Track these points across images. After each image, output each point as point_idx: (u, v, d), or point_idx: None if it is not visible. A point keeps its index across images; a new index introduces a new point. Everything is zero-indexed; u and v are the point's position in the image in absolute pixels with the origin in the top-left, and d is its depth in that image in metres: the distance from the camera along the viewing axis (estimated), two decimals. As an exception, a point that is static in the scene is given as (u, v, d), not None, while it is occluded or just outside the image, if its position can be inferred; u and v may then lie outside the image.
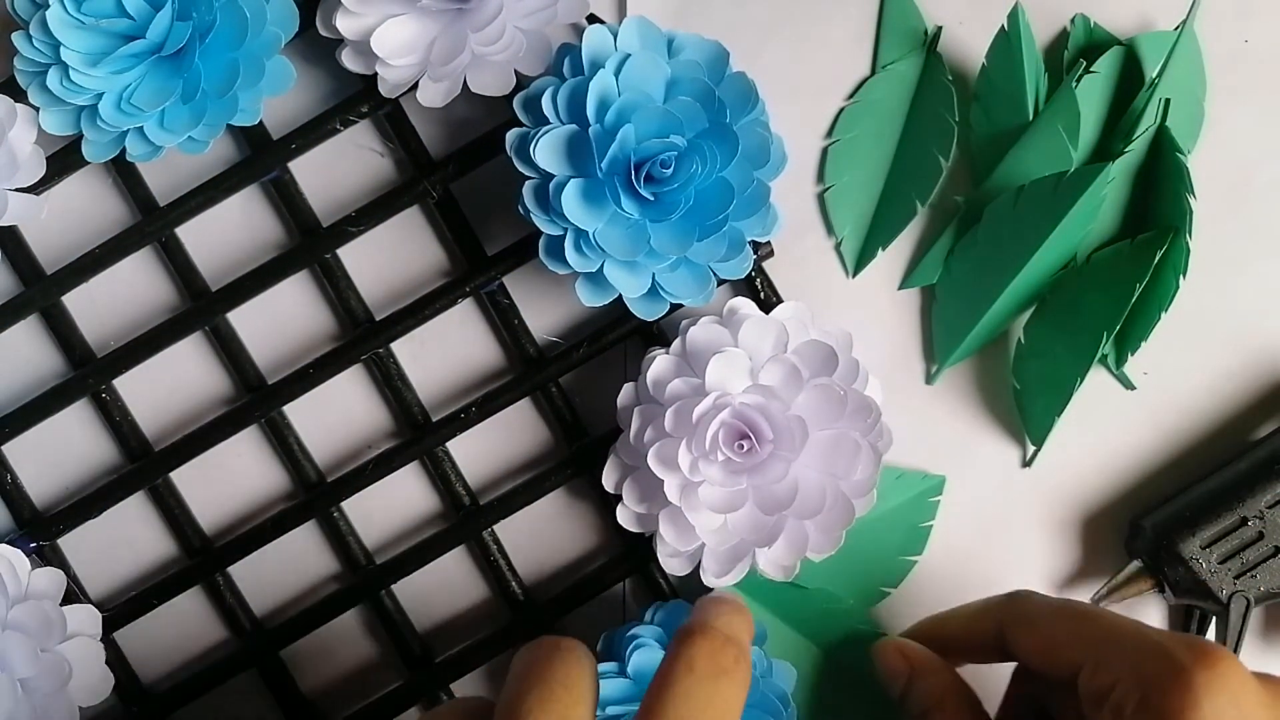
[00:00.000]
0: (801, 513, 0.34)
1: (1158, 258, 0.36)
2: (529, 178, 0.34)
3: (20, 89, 0.36)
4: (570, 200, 0.34)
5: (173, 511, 0.39)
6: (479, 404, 0.38)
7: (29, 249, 0.39)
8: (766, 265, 0.38)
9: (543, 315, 0.39)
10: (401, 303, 0.38)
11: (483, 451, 0.39)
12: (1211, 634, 0.37)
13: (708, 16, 0.38)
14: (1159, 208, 0.37)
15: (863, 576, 0.38)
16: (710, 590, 0.36)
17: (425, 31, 0.35)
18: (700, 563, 0.36)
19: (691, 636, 0.29)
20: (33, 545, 0.38)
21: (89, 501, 0.38)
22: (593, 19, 0.37)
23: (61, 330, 0.39)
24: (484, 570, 0.39)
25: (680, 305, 0.36)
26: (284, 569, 0.39)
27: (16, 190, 0.37)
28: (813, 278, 0.39)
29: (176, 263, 0.39)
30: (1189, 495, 0.37)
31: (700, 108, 0.34)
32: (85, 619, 0.37)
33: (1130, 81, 0.37)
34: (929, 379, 0.39)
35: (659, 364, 0.35)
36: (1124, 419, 0.38)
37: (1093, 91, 0.37)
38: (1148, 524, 0.37)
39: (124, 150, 0.37)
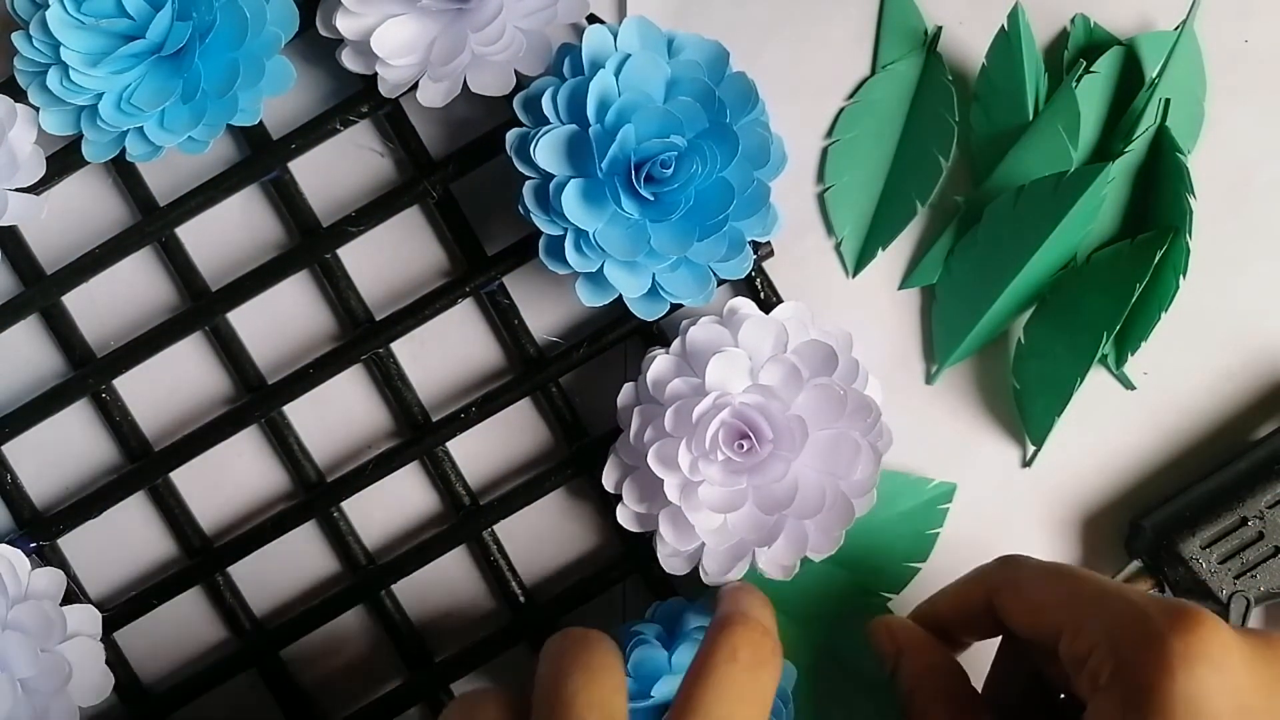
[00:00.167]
0: (801, 512, 0.35)
1: (1158, 258, 0.36)
2: (529, 178, 0.35)
3: (20, 89, 0.36)
4: (570, 200, 0.34)
5: (173, 511, 0.39)
6: (479, 404, 0.38)
7: (29, 249, 0.39)
8: (766, 265, 0.38)
9: (543, 315, 0.39)
10: (401, 303, 0.38)
11: (483, 451, 0.39)
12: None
13: (708, 16, 0.38)
14: (1159, 208, 0.37)
15: (866, 581, 0.38)
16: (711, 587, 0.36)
17: (425, 31, 0.35)
18: (700, 562, 0.36)
19: (733, 626, 0.29)
20: (33, 545, 0.38)
21: (89, 501, 0.38)
22: (593, 19, 0.37)
23: (61, 330, 0.39)
24: (484, 570, 0.39)
25: (680, 305, 0.36)
26: (284, 569, 0.39)
27: (16, 190, 0.37)
28: (813, 278, 0.39)
29: (176, 263, 0.39)
30: (1189, 495, 0.37)
31: (700, 108, 0.34)
32: (85, 619, 0.37)
33: (1130, 81, 0.37)
34: (929, 379, 0.39)
35: (659, 364, 0.35)
36: (1124, 419, 0.38)
37: (1093, 91, 0.37)
38: (1148, 524, 0.37)
39: (124, 150, 0.37)
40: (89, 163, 0.37)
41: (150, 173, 0.39)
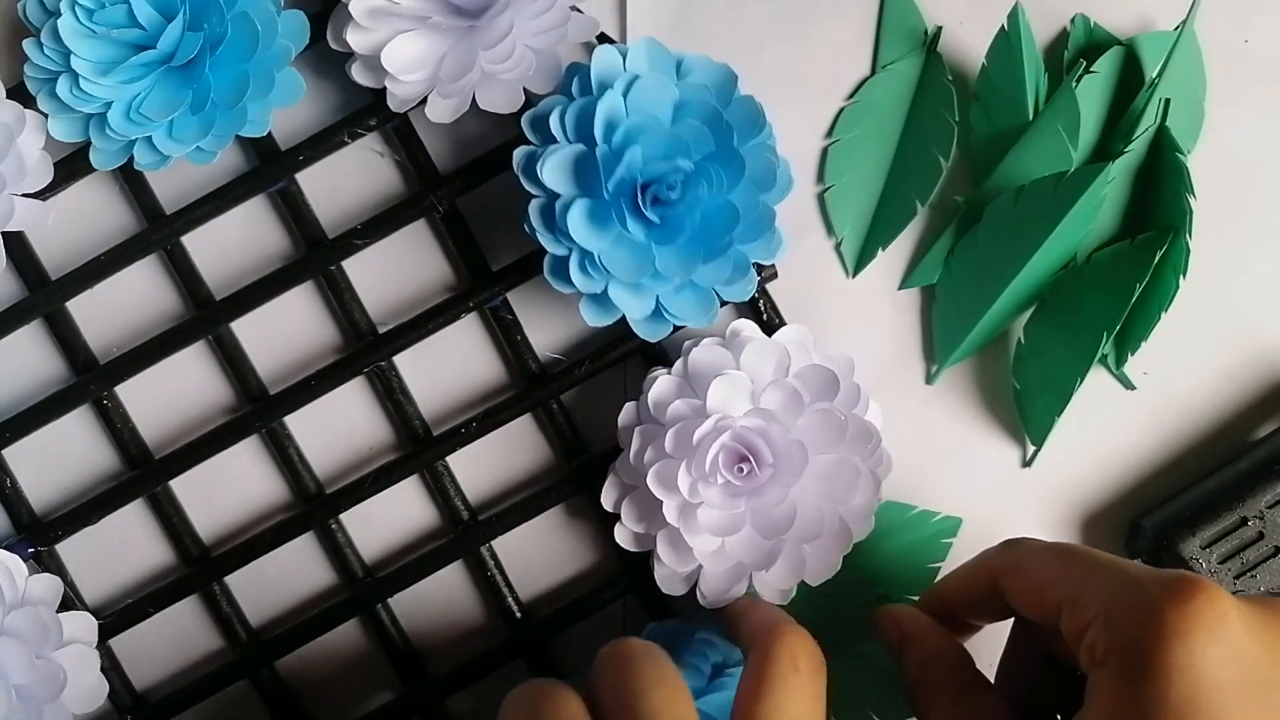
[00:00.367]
0: (800, 537, 0.35)
1: (1158, 258, 0.36)
2: (535, 196, 0.35)
3: (30, 95, 0.36)
4: (576, 220, 0.34)
5: (171, 520, 0.39)
6: (480, 419, 0.38)
7: (35, 254, 0.39)
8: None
9: (545, 332, 0.39)
10: (405, 316, 0.38)
11: (482, 467, 0.39)
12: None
13: (708, 16, 0.38)
14: (1159, 208, 0.37)
15: (864, 613, 0.37)
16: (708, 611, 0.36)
17: (435, 48, 0.35)
18: (697, 584, 0.36)
19: (786, 635, 0.30)
20: (30, 550, 0.38)
21: (88, 508, 0.38)
22: (603, 38, 0.37)
23: (65, 336, 0.39)
24: (481, 585, 0.39)
25: (683, 326, 0.36)
26: (281, 580, 0.39)
27: (23, 196, 0.37)
28: (813, 278, 0.39)
29: (181, 271, 0.39)
30: (1189, 495, 0.37)
31: (707, 130, 0.34)
32: (81, 626, 0.37)
33: (1130, 81, 0.37)
34: (929, 379, 0.39)
35: (660, 384, 0.35)
36: (1124, 419, 0.38)
37: (1093, 91, 0.37)
38: (1148, 524, 0.37)
39: (132, 159, 0.37)
40: (96, 170, 0.37)
41: (157, 181, 0.39)
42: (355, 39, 0.35)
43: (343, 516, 0.39)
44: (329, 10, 0.36)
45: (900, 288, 0.39)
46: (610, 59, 0.34)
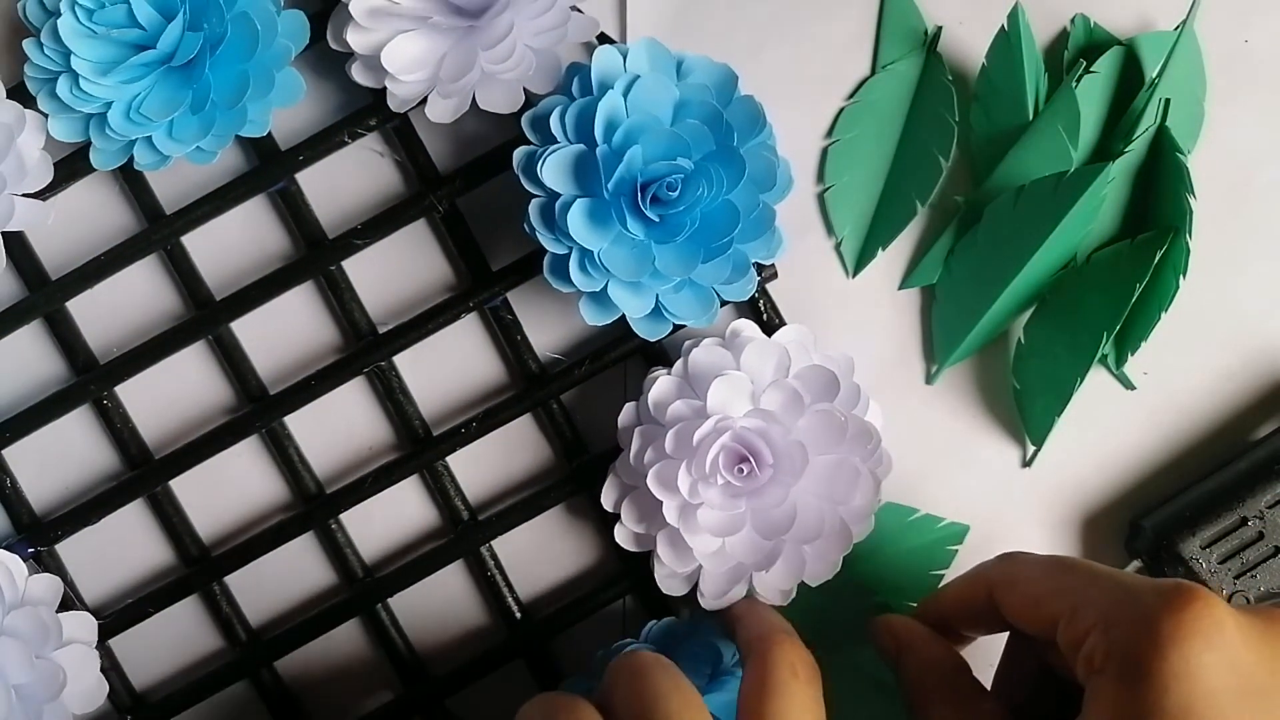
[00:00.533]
0: (799, 537, 0.35)
1: (1158, 258, 0.36)
2: (535, 196, 0.35)
3: (30, 95, 0.36)
4: (576, 220, 0.34)
5: (171, 520, 0.39)
6: (480, 419, 0.38)
7: (35, 254, 0.39)
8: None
9: (545, 332, 0.39)
10: (405, 316, 0.38)
11: (482, 467, 0.39)
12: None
13: (708, 16, 0.38)
14: (1159, 208, 0.37)
15: (863, 620, 0.37)
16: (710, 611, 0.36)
17: (435, 48, 0.35)
18: (697, 585, 0.36)
19: (784, 644, 0.31)
20: (30, 550, 0.38)
21: (88, 508, 0.38)
22: (603, 38, 0.37)
23: (65, 336, 0.39)
24: (481, 586, 0.39)
25: (683, 325, 0.36)
26: (281, 580, 0.39)
27: (24, 195, 0.37)
28: (813, 278, 0.39)
29: (181, 271, 0.39)
30: (1189, 495, 0.37)
31: (708, 130, 0.34)
32: (81, 626, 0.37)
33: (1130, 81, 0.37)
34: (929, 379, 0.39)
35: (660, 385, 0.35)
36: (1124, 419, 0.38)
37: (1093, 91, 0.37)
38: (1148, 524, 0.37)
39: (132, 158, 0.37)
40: (96, 170, 0.37)
41: (157, 181, 0.39)
42: (355, 39, 0.35)
43: (343, 516, 0.39)
44: (329, 10, 0.36)
45: (900, 288, 0.39)
46: (611, 59, 0.34)
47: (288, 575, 0.39)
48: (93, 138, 0.36)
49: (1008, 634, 0.34)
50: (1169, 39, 0.37)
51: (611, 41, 0.37)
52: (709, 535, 0.34)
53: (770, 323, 0.38)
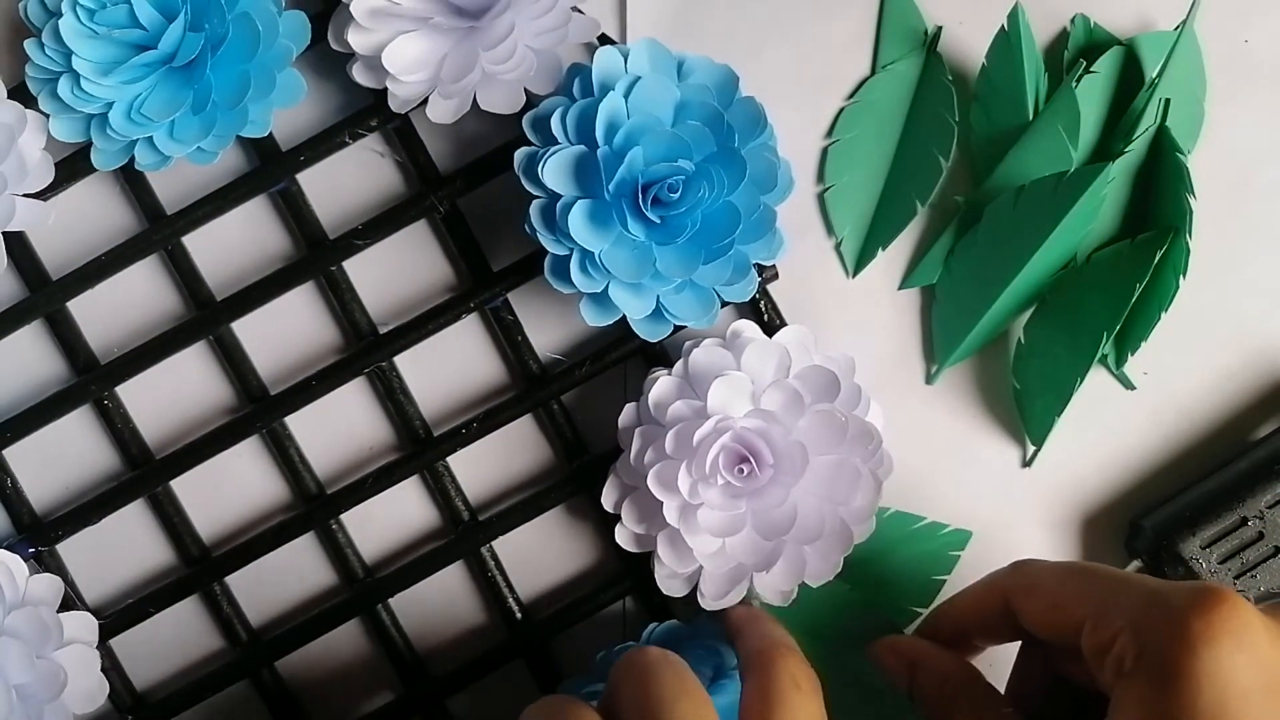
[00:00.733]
0: (800, 538, 0.35)
1: (1158, 258, 0.36)
2: (536, 197, 0.35)
3: (31, 95, 0.36)
4: (577, 221, 0.34)
5: (172, 520, 0.39)
6: (480, 419, 0.38)
7: (35, 254, 0.39)
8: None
9: (546, 332, 0.39)
10: (406, 317, 0.38)
11: (483, 467, 0.39)
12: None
13: (708, 17, 0.38)
14: (1159, 208, 0.37)
15: (867, 621, 0.37)
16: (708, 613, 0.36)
17: (436, 48, 0.35)
18: (698, 585, 0.36)
19: (786, 656, 0.31)
20: (31, 550, 0.38)
21: (88, 508, 0.38)
22: (604, 39, 0.37)
23: (66, 336, 0.39)
24: (481, 586, 0.39)
25: (683, 326, 0.36)
26: (282, 580, 0.39)
27: (24, 196, 0.37)
28: (813, 278, 0.39)
29: (182, 271, 0.39)
30: (1189, 495, 0.37)
31: (709, 132, 0.34)
32: (82, 626, 0.37)
33: (1130, 81, 0.37)
34: (929, 379, 0.39)
35: (661, 385, 0.35)
36: (1124, 419, 0.38)
37: (1093, 91, 0.37)
38: (1148, 524, 0.37)
39: (133, 159, 0.37)
40: (97, 170, 0.37)
41: (158, 181, 0.39)
42: (356, 40, 0.35)
43: (343, 517, 0.39)
44: (330, 11, 0.36)
45: (900, 288, 0.39)
46: (612, 60, 0.35)
47: (288, 575, 0.39)
48: (94, 138, 0.36)
49: (1019, 645, 0.34)
50: (1169, 39, 0.37)
51: (612, 42, 0.37)
52: (709, 536, 0.34)
53: (771, 323, 0.38)
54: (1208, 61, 0.38)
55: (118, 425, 0.39)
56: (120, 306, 0.39)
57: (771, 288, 0.38)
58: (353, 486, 0.38)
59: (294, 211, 0.39)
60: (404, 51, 0.35)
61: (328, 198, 0.39)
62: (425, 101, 0.36)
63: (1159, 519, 0.37)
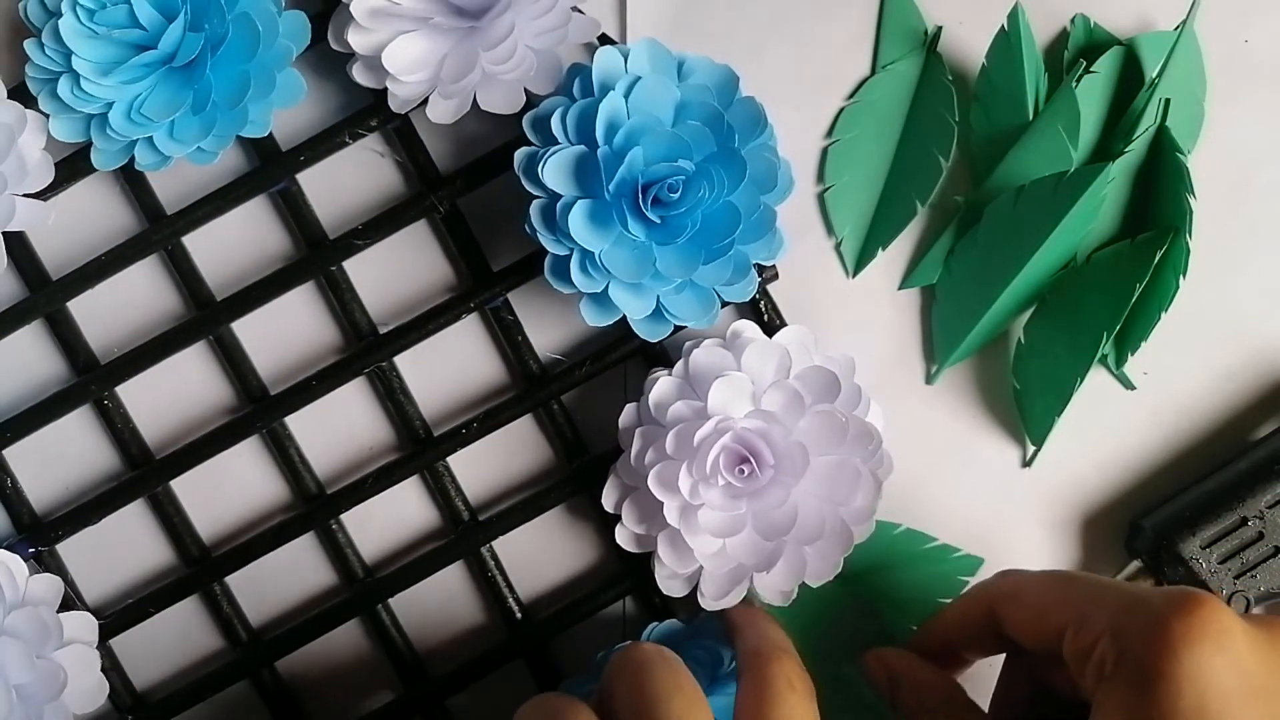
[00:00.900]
0: (800, 538, 0.35)
1: (1158, 258, 0.36)
2: (536, 197, 0.35)
3: (31, 95, 0.36)
4: (577, 221, 0.34)
5: (172, 520, 0.39)
6: (480, 419, 0.38)
7: (35, 254, 0.39)
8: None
9: (546, 332, 0.39)
10: (406, 317, 0.38)
11: (483, 467, 0.39)
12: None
13: (709, 16, 0.38)
14: (1159, 208, 0.37)
15: (865, 632, 0.38)
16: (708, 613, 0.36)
17: (436, 48, 0.35)
18: (698, 585, 0.36)
19: (782, 659, 0.31)
20: (31, 550, 0.38)
21: (88, 508, 0.38)
22: (604, 39, 0.37)
23: (66, 336, 0.39)
24: (481, 586, 0.39)
25: (684, 326, 0.36)
26: (282, 580, 0.39)
27: (24, 196, 0.37)
28: (813, 278, 0.39)
29: (182, 271, 0.39)
30: (1189, 495, 0.37)
31: (709, 132, 0.34)
32: (82, 626, 0.37)
33: (1130, 81, 0.37)
34: (929, 379, 0.39)
35: (661, 386, 0.35)
36: (1124, 419, 0.38)
37: (1093, 91, 0.37)
38: (1148, 524, 0.37)
39: (133, 159, 0.37)
40: (97, 170, 0.37)
41: (158, 181, 0.39)
42: (356, 40, 0.35)
43: (343, 517, 0.39)
44: (330, 11, 0.36)
45: (900, 288, 0.39)
46: (612, 60, 0.34)
47: (288, 575, 0.39)
48: (94, 138, 0.36)
49: (1004, 658, 0.34)
50: (1169, 39, 0.37)
51: (613, 42, 0.37)
52: (710, 536, 0.34)
53: (771, 323, 0.38)
54: (1208, 61, 0.38)
55: (118, 425, 0.39)
56: (120, 306, 0.39)
57: (771, 288, 0.38)
58: (353, 486, 0.38)
59: (294, 211, 0.39)
60: (404, 51, 0.35)
61: (328, 198, 0.39)
62: (425, 101, 0.36)
63: (1159, 519, 0.37)
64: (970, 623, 0.33)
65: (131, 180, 0.38)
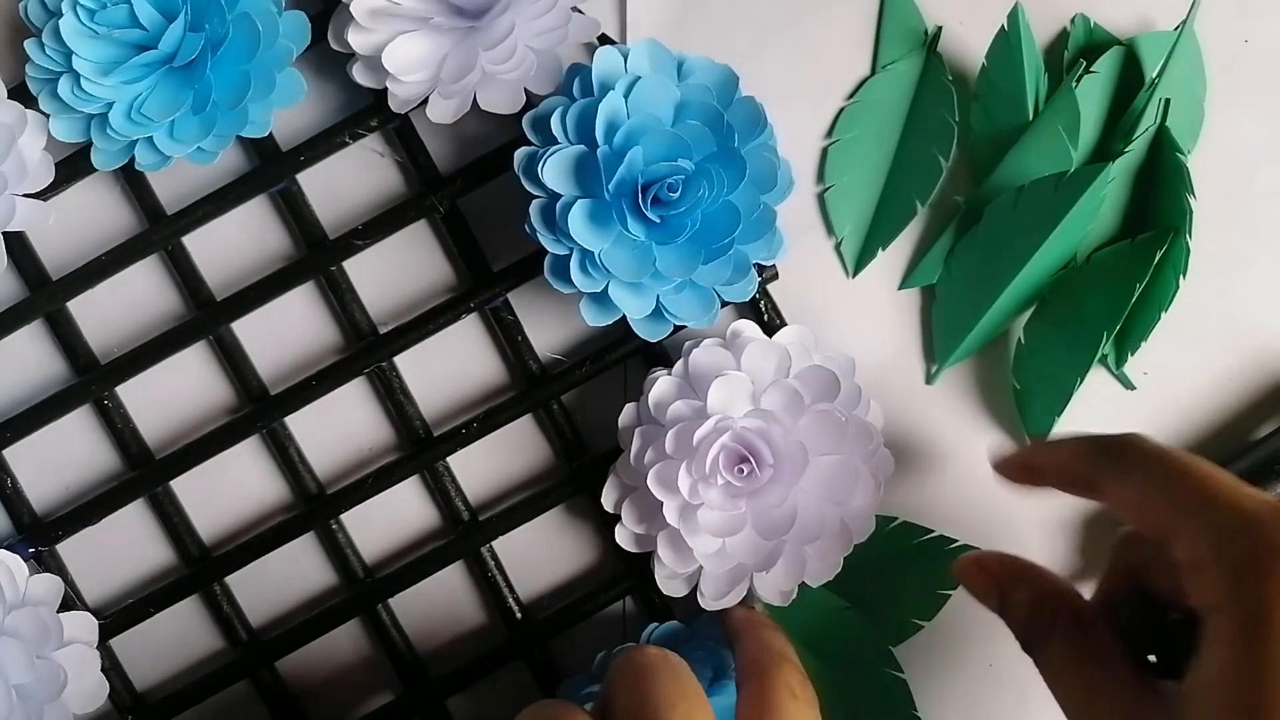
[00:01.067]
0: (800, 538, 0.35)
1: (1158, 258, 0.36)
2: (536, 196, 0.35)
3: (31, 95, 0.36)
4: (577, 221, 0.34)
5: (172, 520, 0.39)
6: (480, 419, 0.38)
7: (35, 254, 0.39)
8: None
9: (546, 332, 0.39)
10: (406, 317, 0.38)
11: (483, 467, 0.39)
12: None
13: (709, 16, 0.38)
14: (1159, 208, 0.37)
15: (868, 628, 0.37)
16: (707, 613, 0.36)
17: (436, 48, 0.35)
18: (698, 585, 0.36)
19: (783, 667, 0.31)
20: (31, 550, 0.38)
21: (89, 508, 0.38)
22: (604, 39, 0.37)
23: (66, 336, 0.39)
24: (481, 586, 0.39)
25: (683, 326, 0.36)
26: (282, 580, 0.39)
27: (25, 196, 0.37)
28: (813, 278, 0.39)
29: (182, 271, 0.39)
30: None
31: (709, 131, 0.34)
32: (82, 626, 0.37)
33: (1130, 81, 0.37)
34: (929, 379, 0.39)
35: (661, 385, 0.35)
36: (1124, 419, 0.38)
37: (1093, 91, 0.37)
38: None
39: (133, 159, 0.37)
40: (97, 170, 0.37)
41: (158, 181, 0.39)
42: (356, 40, 0.35)
43: (343, 517, 0.39)
44: (330, 11, 0.36)
45: (900, 288, 0.39)
46: (612, 60, 0.35)
47: (288, 575, 0.39)
48: (94, 138, 0.36)
49: (1110, 553, 0.31)
50: (1169, 39, 0.37)
51: (613, 42, 0.37)
52: (709, 536, 0.34)
53: (771, 323, 0.38)
54: (1208, 61, 0.38)
55: (118, 425, 0.39)
56: (120, 306, 0.39)
57: (771, 287, 0.38)
58: (353, 486, 0.38)
59: (294, 211, 0.39)
60: (404, 51, 0.35)
61: (328, 198, 0.39)
62: (425, 101, 0.36)
63: (1159, 519, 0.37)
64: (1071, 477, 0.30)
65: (132, 180, 0.39)
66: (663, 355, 0.38)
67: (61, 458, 0.39)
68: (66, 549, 0.39)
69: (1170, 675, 0.28)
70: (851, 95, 0.39)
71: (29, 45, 0.36)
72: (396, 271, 0.39)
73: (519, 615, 0.39)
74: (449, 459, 0.38)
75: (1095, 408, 0.38)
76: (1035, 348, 0.38)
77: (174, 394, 0.39)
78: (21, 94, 0.37)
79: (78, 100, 0.36)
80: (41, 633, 0.35)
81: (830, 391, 0.35)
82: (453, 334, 0.39)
